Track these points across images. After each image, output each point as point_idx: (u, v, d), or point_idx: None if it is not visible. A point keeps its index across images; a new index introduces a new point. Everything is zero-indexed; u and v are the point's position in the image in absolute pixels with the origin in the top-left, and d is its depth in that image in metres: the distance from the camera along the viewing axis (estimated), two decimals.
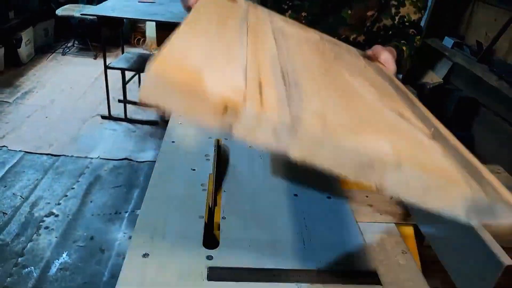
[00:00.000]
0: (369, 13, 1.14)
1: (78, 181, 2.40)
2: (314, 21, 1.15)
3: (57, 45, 4.65)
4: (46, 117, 3.15)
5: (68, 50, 4.53)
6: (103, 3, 3.03)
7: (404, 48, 1.09)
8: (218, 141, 0.96)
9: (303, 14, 1.18)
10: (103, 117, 3.21)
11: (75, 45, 4.66)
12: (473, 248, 0.61)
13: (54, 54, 4.43)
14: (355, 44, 1.15)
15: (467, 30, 2.60)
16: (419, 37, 1.16)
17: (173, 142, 0.99)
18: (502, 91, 1.94)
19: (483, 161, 2.10)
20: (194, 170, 0.86)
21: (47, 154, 2.64)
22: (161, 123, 3.22)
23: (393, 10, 1.15)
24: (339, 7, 1.13)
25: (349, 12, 1.14)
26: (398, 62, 1.04)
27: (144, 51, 4.81)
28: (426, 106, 2.18)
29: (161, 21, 2.69)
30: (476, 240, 0.60)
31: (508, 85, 1.90)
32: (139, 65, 3.09)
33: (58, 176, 2.44)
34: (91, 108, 3.36)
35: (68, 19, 4.42)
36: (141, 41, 4.96)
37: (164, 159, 0.91)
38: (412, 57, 1.16)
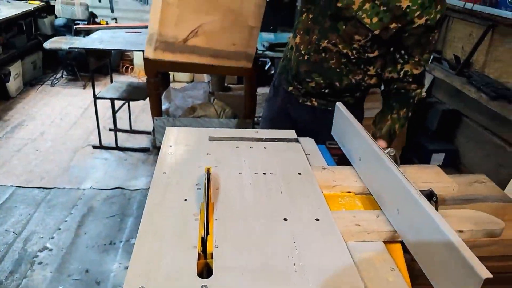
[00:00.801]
0: (357, 37, 1.27)
1: (71, 213, 2.39)
2: (315, 21, 1.33)
3: (46, 77, 4.68)
4: (37, 150, 3.15)
5: (57, 81, 4.56)
6: (91, 35, 3.08)
7: (396, 125, 1.32)
8: (208, 169, 0.98)
9: (310, 15, 1.36)
10: (94, 147, 3.23)
11: (63, 76, 4.70)
12: (454, 263, 0.64)
13: (42, 86, 4.46)
14: (341, 54, 1.32)
15: (444, 45, 2.70)
16: (419, 90, 1.33)
17: (164, 173, 1.01)
18: (482, 103, 2.02)
19: (469, 171, 2.21)
20: (186, 200, 0.89)
21: (38, 188, 2.63)
22: (152, 150, 3.24)
23: (399, 66, 1.30)
24: (337, 18, 1.28)
25: (343, 26, 1.27)
26: (390, 141, 1.32)
27: (133, 79, 4.87)
28: (413, 120, 2.24)
29: None
30: (456, 255, 0.64)
31: (486, 97, 1.97)
32: (128, 94, 3.13)
33: (51, 209, 2.43)
34: (81, 139, 3.37)
35: (56, 51, 4.48)
36: (129, 69, 5.03)
37: (156, 190, 0.93)
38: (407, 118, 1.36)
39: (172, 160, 1.10)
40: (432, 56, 2.54)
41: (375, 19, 1.22)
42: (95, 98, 3.03)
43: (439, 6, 1.18)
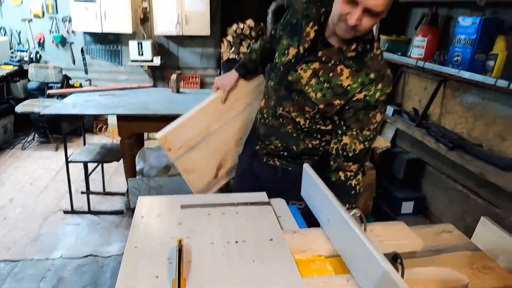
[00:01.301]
0: (307, 109, 1.37)
1: (39, 287, 2.27)
2: (274, 89, 1.43)
3: (17, 140, 4.62)
4: (5, 218, 3.03)
5: (28, 144, 4.50)
6: (64, 100, 3.12)
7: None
8: (180, 241, 0.99)
9: (272, 83, 1.47)
10: (65, 212, 3.14)
11: (35, 139, 4.65)
12: None
13: (13, 150, 4.38)
14: (295, 121, 1.42)
15: (403, 99, 2.89)
16: (359, 177, 1.35)
17: (135, 247, 1.02)
18: (441, 153, 2.14)
19: (437, 218, 2.28)
20: (157, 277, 0.89)
21: (4, 261, 2.50)
22: (126, 212, 3.18)
23: (339, 137, 1.34)
24: (291, 88, 1.37)
25: (296, 97, 1.37)
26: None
27: (107, 139, 4.87)
28: (380, 170, 2.33)
29: (121, 114, 2.80)
30: None
31: (445, 147, 2.10)
32: (102, 156, 3.12)
33: (17, 283, 2.30)
34: (53, 203, 3.28)
35: (28, 114, 4.46)
36: (103, 129, 5.04)
37: (127, 267, 0.93)
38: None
39: (144, 232, 1.11)
40: (393, 109, 2.71)
41: (319, 94, 1.31)
42: (67, 161, 3.00)
43: (380, 85, 1.24)
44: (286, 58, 1.38)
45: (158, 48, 5.03)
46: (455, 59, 2.03)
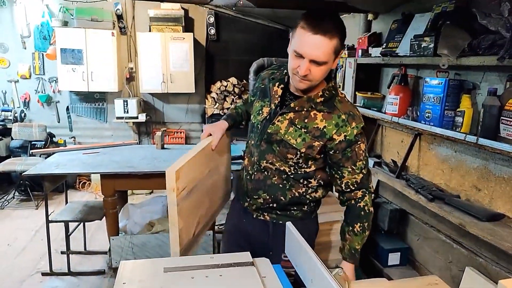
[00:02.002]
0: (289, 156, 1.48)
1: None
2: (255, 145, 1.54)
3: None
4: None
5: (7, 203, 4.39)
6: (47, 159, 3.11)
7: (356, 243, 1.50)
8: None
9: (252, 141, 1.58)
10: (44, 274, 3.02)
11: (15, 197, 4.55)
12: None
13: None
14: (280, 171, 1.51)
15: (382, 150, 2.99)
16: (367, 197, 1.49)
17: None
18: (422, 204, 2.19)
19: (424, 267, 2.28)
20: None
21: None
22: (108, 272, 3.07)
23: (338, 181, 1.49)
24: (271, 140, 1.49)
25: (277, 147, 1.48)
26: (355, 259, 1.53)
27: (89, 195, 4.80)
28: None
29: (104, 173, 2.80)
30: None
31: (425, 199, 2.15)
32: (84, 215, 3.07)
33: None
34: (30, 266, 3.15)
35: (9, 172, 4.40)
36: (86, 185, 4.98)
37: None
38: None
39: None
40: (373, 162, 2.79)
41: (299, 140, 1.44)
42: (48, 221, 2.93)
43: (353, 123, 1.40)
44: (262, 116, 1.53)
45: (144, 105, 5.14)
46: (427, 115, 2.15)
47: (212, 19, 5.08)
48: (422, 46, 2.14)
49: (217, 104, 5.08)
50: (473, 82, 2.02)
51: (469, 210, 1.94)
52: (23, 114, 4.93)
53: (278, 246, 1.48)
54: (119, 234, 3.05)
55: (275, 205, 1.57)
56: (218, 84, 5.11)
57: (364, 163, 1.46)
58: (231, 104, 5.08)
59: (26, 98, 4.97)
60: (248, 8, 4.17)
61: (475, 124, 1.96)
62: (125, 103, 4.80)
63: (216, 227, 3.44)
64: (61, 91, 4.96)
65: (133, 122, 4.98)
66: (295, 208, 1.58)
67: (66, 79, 4.65)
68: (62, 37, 4.58)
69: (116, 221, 3.04)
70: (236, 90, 5.10)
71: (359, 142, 1.42)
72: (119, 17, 4.89)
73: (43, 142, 4.69)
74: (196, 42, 4.95)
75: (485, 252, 2.01)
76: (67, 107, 5.09)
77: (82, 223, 3.35)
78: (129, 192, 4.40)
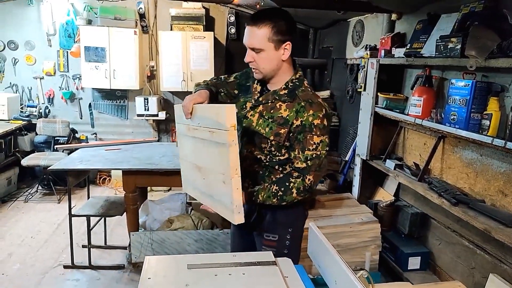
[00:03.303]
0: (263, 145, 1.60)
1: None
2: (241, 138, 1.65)
3: (20, 192, 4.63)
4: (3, 274, 2.97)
5: (31, 196, 4.51)
6: (70, 155, 3.19)
7: (262, 193, 1.55)
8: None
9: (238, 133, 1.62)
10: (65, 266, 3.08)
11: (38, 190, 4.67)
12: None
13: (15, 202, 4.38)
14: (257, 159, 1.63)
15: (404, 153, 2.95)
16: (299, 180, 1.53)
17: None
18: (445, 208, 2.15)
19: (445, 273, 2.24)
20: None
21: None
22: (127, 267, 3.12)
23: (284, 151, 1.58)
24: (248, 133, 1.62)
25: (254, 139, 1.61)
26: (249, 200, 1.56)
27: (110, 190, 4.89)
28: (384, 224, 2.37)
29: (126, 169, 2.85)
30: None
31: (448, 203, 2.11)
32: (105, 210, 3.13)
33: None
34: (52, 258, 3.23)
35: (33, 167, 4.52)
36: (106, 180, 5.07)
37: None
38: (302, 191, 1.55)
39: (152, 284, 1.11)
40: (394, 164, 2.75)
41: (267, 129, 1.57)
42: (71, 215, 3.00)
43: (311, 110, 1.49)
44: (244, 111, 1.65)
45: (164, 103, 5.20)
46: (452, 117, 2.11)
47: (232, 18, 5.10)
48: (449, 47, 2.10)
49: None
50: (501, 85, 1.97)
51: (495, 215, 1.89)
52: (47, 110, 5.06)
53: (262, 227, 1.66)
54: (139, 230, 3.10)
55: None
56: None
57: (313, 156, 1.50)
58: None
59: (50, 94, 5.10)
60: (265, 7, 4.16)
61: (503, 127, 1.92)
62: (146, 100, 4.87)
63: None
64: (84, 88, 5.07)
65: (153, 120, 5.05)
66: None
67: (89, 76, 4.75)
68: (86, 35, 4.68)
69: (137, 217, 3.09)
70: None
71: (313, 133, 1.49)
72: (141, 16, 4.95)
73: (66, 138, 4.79)
74: (216, 41, 4.97)
75: (510, 259, 1.96)
76: (90, 104, 5.19)
77: (103, 218, 3.42)
78: (148, 189, 4.45)
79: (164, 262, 1.31)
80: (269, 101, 1.58)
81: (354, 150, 3.44)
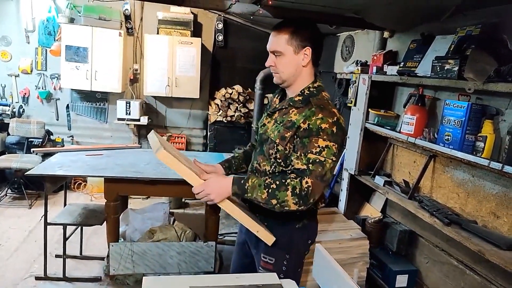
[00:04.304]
0: (271, 152, 1.59)
1: None
2: (255, 150, 1.72)
3: None
4: None
5: (0, 200, 4.24)
6: (49, 159, 3.01)
7: (255, 180, 1.50)
8: None
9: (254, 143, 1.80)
10: (38, 278, 2.90)
11: (7, 194, 4.40)
12: None
13: None
14: (263, 170, 1.62)
15: (393, 170, 2.97)
16: (296, 181, 1.45)
17: None
18: (437, 228, 2.16)
19: None
20: None
21: None
22: (104, 279, 2.97)
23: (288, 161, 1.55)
24: (262, 140, 1.65)
25: (264, 147, 1.62)
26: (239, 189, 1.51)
27: (85, 196, 4.68)
28: (370, 241, 2.36)
29: (111, 177, 2.71)
30: None
31: (441, 222, 2.12)
32: (83, 219, 2.97)
33: None
34: (23, 268, 3.03)
35: (3, 169, 4.27)
36: (82, 186, 4.85)
37: None
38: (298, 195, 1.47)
39: None
40: (383, 181, 2.76)
41: (275, 132, 1.57)
42: (46, 224, 2.83)
43: (320, 115, 1.45)
44: (262, 122, 1.71)
45: (146, 107, 5.07)
46: (446, 138, 2.13)
47: (220, 26, 5.05)
48: (446, 68, 2.12)
49: (221, 111, 5.02)
50: (496, 108, 2.01)
51: (488, 237, 1.91)
52: (21, 110, 4.80)
53: (260, 247, 1.62)
54: (119, 241, 2.95)
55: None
56: (223, 91, 5.06)
57: (317, 160, 1.43)
58: (234, 112, 5.03)
59: (25, 93, 4.85)
60: (259, 17, 4.14)
61: (497, 150, 1.95)
62: (128, 104, 4.72)
63: (219, 237, 3.37)
64: (62, 88, 4.86)
65: (134, 125, 4.89)
66: (271, 214, 1.56)
67: (69, 76, 4.55)
68: (68, 34, 4.50)
69: (117, 227, 2.95)
70: (241, 98, 5.05)
71: (319, 136, 1.44)
72: (127, 18, 4.82)
73: (41, 140, 4.56)
74: (203, 48, 4.90)
75: (501, 280, 1.98)
76: (67, 105, 4.98)
77: (79, 227, 3.25)
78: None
79: (164, 283, 1.22)
80: (284, 107, 1.59)
81: (341, 164, 3.44)
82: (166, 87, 4.77)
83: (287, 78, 1.56)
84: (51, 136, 4.78)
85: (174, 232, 3.08)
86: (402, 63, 2.71)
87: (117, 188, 2.83)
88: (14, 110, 4.72)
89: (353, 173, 3.12)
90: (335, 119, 1.45)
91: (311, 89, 1.55)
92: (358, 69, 3.31)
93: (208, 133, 5.13)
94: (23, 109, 4.84)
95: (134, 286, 2.90)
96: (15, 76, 4.82)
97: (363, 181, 3.02)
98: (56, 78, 4.85)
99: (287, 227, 1.60)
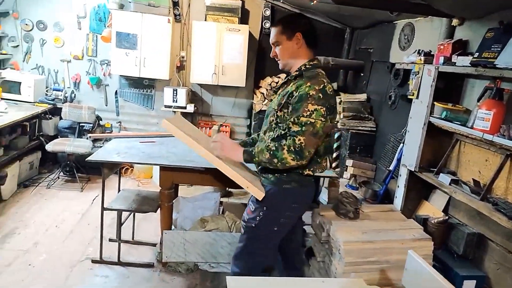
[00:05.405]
0: (271, 119, 1.96)
1: None
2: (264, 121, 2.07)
3: (41, 177, 4.52)
4: (29, 265, 2.86)
5: (53, 183, 4.39)
6: (105, 145, 3.05)
7: (259, 148, 1.85)
8: None
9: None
10: (94, 261, 2.97)
11: (59, 177, 4.55)
12: None
13: (37, 187, 4.27)
14: (269, 137, 1.94)
15: (459, 168, 2.78)
16: (291, 139, 1.77)
17: None
18: (508, 231, 1.99)
19: None
20: None
21: None
22: (157, 265, 3.00)
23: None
24: (267, 115, 2.02)
25: (268, 119, 1.99)
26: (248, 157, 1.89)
27: (132, 181, 4.76)
28: (436, 240, 2.19)
29: (165, 165, 2.71)
30: None
31: None
32: (138, 206, 2.99)
33: None
34: (79, 250, 3.11)
35: (57, 152, 4.41)
36: (129, 171, 4.94)
37: None
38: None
39: None
40: (450, 179, 2.60)
41: (275, 102, 1.94)
42: (103, 209, 2.87)
43: (308, 83, 1.77)
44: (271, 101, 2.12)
45: (191, 95, 5.06)
46: None
47: (268, 12, 4.93)
48: None
49: (266, 100, 4.94)
50: None
51: None
52: (73, 95, 4.92)
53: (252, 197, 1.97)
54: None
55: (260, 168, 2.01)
56: (268, 79, 4.97)
57: (308, 122, 1.72)
58: None
59: (77, 79, 4.97)
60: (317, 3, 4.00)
61: None
62: (175, 92, 4.73)
63: None
64: (112, 74, 4.93)
65: (180, 112, 4.90)
66: (267, 171, 1.93)
67: (119, 63, 4.61)
68: (119, 20, 4.53)
69: (171, 214, 2.96)
70: None
71: (308, 101, 1.73)
72: (175, 4, 4.80)
73: (91, 125, 4.66)
74: (249, 35, 4.81)
75: None
76: (116, 91, 5.06)
77: (132, 214, 3.29)
78: None
79: (249, 284, 1.17)
80: (285, 84, 1.95)
81: (398, 160, 3.29)
82: (213, 75, 4.73)
83: (287, 62, 1.93)
84: (100, 122, 4.88)
85: (225, 222, 3.05)
86: (477, 53, 2.50)
87: (172, 177, 2.84)
88: (66, 95, 4.84)
89: (412, 170, 2.96)
90: (321, 86, 1.75)
91: (307, 66, 1.88)
92: (421, 59, 3.11)
93: (253, 123, 5.07)
94: (75, 94, 4.96)
95: (185, 274, 2.91)
96: (67, 62, 4.94)
97: (424, 178, 2.86)
98: (106, 64, 4.93)
99: (275, 185, 1.88)
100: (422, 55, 3.14)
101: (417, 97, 2.99)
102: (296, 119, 1.73)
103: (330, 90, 1.78)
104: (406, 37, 3.74)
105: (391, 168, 3.40)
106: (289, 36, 1.87)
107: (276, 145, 1.76)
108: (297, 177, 1.88)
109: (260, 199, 1.88)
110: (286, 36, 1.87)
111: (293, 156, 1.72)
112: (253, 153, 1.83)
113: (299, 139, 1.71)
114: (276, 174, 1.89)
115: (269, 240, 1.95)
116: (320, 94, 1.73)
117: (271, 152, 1.75)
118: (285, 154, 1.73)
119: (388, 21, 4.07)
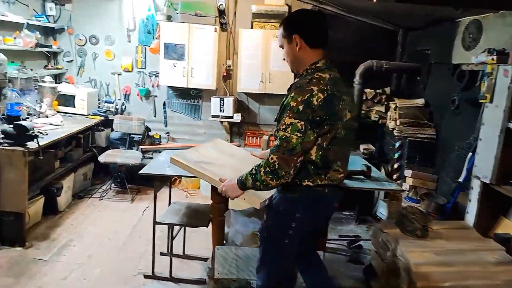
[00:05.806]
0: (274, 130, 1.81)
1: None
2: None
3: (94, 188, 4.62)
4: (84, 279, 2.86)
5: (105, 194, 4.46)
6: (157, 157, 3.02)
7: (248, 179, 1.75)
8: None
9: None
10: (146, 276, 2.92)
11: (111, 188, 4.63)
12: None
13: (91, 199, 4.35)
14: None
15: None
16: (265, 160, 1.69)
17: None
18: None
19: None
20: None
21: None
22: (208, 282, 2.90)
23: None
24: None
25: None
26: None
27: (180, 192, 4.74)
28: None
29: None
30: None
31: None
32: (188, 219, 2.92)
33: None
34: (132, 264, 3.09)
35: (109, 164, 4.49)
36: (177, 181, 4.94)
37: None
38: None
39: None
40: None
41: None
42: (155, 223, 2.82)
43: (293, 93, 1.63)
44: None
45: (238, 104, 4.99)
46: None
47: None
48: None
49: None
50: None
51: None
52: (123, 107, 5.02)
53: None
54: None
55: None
56: None
57: (282, 137, 1.59)
58: None
59: (127, 91, 5.06)
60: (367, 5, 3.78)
61: None
62: (222, 101, 4.67)
63: None
64: (160, 86, 4.97)
65: (228, 122, 4.84)
66: None
67: (167, 74, 4.63)
68: (166, 31, 4.57)
69: (223, 229, 2.86)
70: None
71: (286, 114, 1.60)
72: (221, 13, 4.76)
73: (141, 136, 4.72)
74: None
75: None
76: (164, 102, 5.10)
77: (183, 229, 3.23)
78: None
79: None
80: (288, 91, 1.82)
81: (468, 171, 2.98)
82: (260, 83, 4.63)
83: (292, 65, 1.82)
84: (149, 132, 4.93)
85: None
86: None
87: None
88: (117, 107, 4.94)
89: (487, 182, 2.66)
90: (306, 97, 1.58)
91: (309, 71, 1.73)
92: (493, 58, 2.81)
93: None
94: (125, 106, 5.06)
95: None
96: (118, 74, 5.05)
97: (502, 191, 2.55)
98: (154, 76, 4.98)
99: (283, 195, 1.80)
100: (494, 54, 2.83)
101: (491, 101, 2.69)
102: (276, 131, 1.68)
103: (319, 99, 1.58)
104: (471, 35, 3.41)
105: (460, 179, 3.09)
106: (289, 39, 1.75)
107: (256, 168, 1.68)
108: (297, 187, 1.76)
109: (257, 208, 1.80)
110: (287, 39, 1.76)
111: (270, 176, 1.63)
112: (243, 182, 1.75)
113: (272, 158, 1.62)
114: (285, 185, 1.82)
115: (282, 248, 1.87)
116: (301, 107, 1.57)
117: (253, 177, 1.69)
118: (264, 176, 1.64)
119: (449, 19, 3.76)
